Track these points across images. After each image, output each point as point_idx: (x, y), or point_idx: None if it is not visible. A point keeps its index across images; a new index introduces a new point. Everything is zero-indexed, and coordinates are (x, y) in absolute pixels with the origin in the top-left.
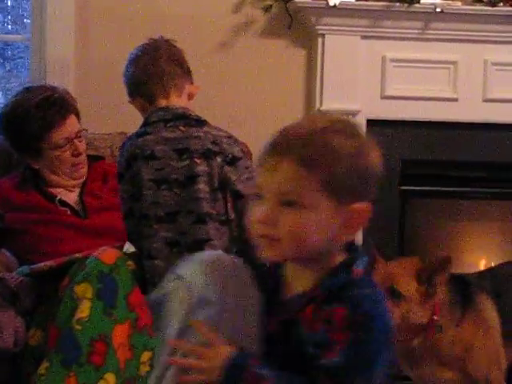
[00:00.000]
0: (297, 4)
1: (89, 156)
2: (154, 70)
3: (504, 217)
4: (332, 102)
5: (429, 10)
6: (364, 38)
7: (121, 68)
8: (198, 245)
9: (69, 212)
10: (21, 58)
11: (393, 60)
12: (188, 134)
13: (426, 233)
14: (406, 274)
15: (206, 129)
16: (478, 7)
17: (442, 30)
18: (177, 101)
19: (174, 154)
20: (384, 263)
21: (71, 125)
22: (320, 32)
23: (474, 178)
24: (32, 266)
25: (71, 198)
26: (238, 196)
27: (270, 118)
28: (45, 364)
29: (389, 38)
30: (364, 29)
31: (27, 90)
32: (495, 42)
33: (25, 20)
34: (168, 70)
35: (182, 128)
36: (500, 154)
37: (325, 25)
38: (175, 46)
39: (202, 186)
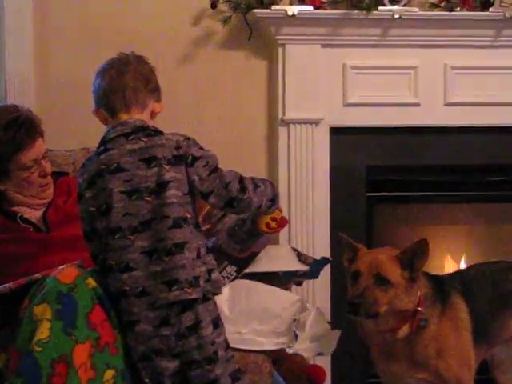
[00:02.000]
0: (256, 15)
1: (53, 173)
2: (117, 83)
3: (470, 220)
4: (294, 111)
5: (387, 17)
6: (324, 46)
7: (80, 83)
8: (178, 248)
9: (31, 229)
10: None
11: (353, 67)
12: (152, 143)
13: (393, 238)
14: (389, 260)
15: (166, 136)
16: (436, 12)
17: (400, 36)
18: (138, 117)
19: (141, 164)
20: (366, 251)
21: (39, 146)
22: (280, 42)
23: (439, 183)
24: None
25: (35, 215)
26: (204, 195)
27: (233, 129)
28: None
29: (349, 46)
30: (324, 37)
31: None
32: (454, 47)
33: None
34: (132, 85)
35: (143, 139)
36: (463, 158)
37: (284, 34)
38: (146, 63)
39: (174, 192)
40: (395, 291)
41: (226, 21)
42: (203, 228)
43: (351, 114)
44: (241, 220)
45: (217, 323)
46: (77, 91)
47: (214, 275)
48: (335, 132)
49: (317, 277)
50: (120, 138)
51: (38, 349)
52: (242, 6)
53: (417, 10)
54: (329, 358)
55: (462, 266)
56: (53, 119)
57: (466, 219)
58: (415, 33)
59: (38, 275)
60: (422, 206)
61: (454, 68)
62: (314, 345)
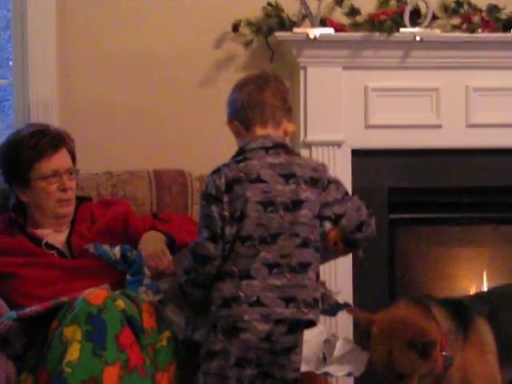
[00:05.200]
0: (277, 38)
1: (76, 197)
2: (257, 98)
3: (492, 241)
4: (316, 133)
5: (408, 39)
6: (346, 68)
7: (103, 108)
8: (303, 267)
9: (55, 255)
10: (7, 100)
11: (375, 89)
12: (291, 161)
13: (415, 260)
14: (403, 352)
15: (303, 157)
16: (457, 34)
17: (422, 57)
18: (273, 132)
19: (280, 179)
20: (378, 336)
21: (62, 158)
22: (302, 64)
23: (461, 204)
24: (19, 312)
25: (59, 240)
26: (336, 218)
27: None
28: None
29: (370, 68)
30: (345, 59)
31: (30, 124)
32: (475, 68)
33: (10, 63)
34: (271, 101)
35: (283, 155)
36: (485, 179)
37: (306, 57)
38: (283, 83)
39: (306, 212)
40: (419, 378)
41: (247, 44)
42: None
43: (373, 136)
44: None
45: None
46: (100, 116)
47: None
48: (357, 154)
49: (334, 316)
50: (260, 151)
51: (68, 370)
52: (264, 28)
53: (438, 31)
54: (352, 378)
55: (485, 287)
56: (76, 143)
57: (488, 240)
58: (437, 55)
59: (64, 298)
60: (445, 227)
61: (475, 89)
62: (343, 366)
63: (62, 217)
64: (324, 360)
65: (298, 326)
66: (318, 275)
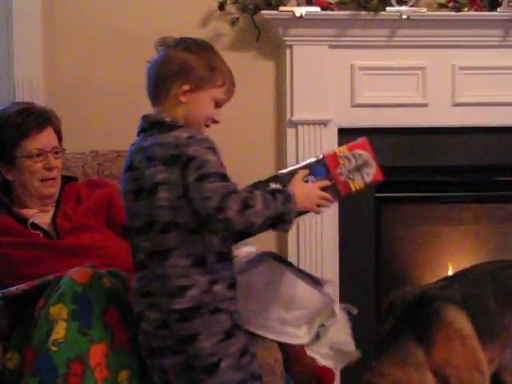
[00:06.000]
0: (263, 16)
1: (62, 177)
2: (147, 81)
3: (478, 220)
4: (302, 112)
5: (395, 17)
6: (332, 47)
7: (89, 86)
8: (168, 254)
9: (41, 235)
10: None
11: (361, 68)
12: (158, 141)
13: (401, 239)
14: None
15: (174, 133)
16: (444, 13)
17: (408, 36)
18: (162, 108)
19: (146, 163)
20: None
21: (48, 137)
22: (288, 43)
23: (447, 183)
24: (4, 291)
25: (44, 220)
26: (190, 201)
27: (241, 130)
28: None
29: (356, 47)
30: (331, 38)
31: (15, 103)
32: (462, 47)
33: None
34: (152, 76)
35: (157, 135)
36: (471, 158)
37: (292, 36)
38: (175, 45)
39: (164, 194)
40: None
41: (233, 22)
42: None
43: (359, 115)
44: None
45: (230, 333)
46: (86, 94)
47: (217, 288)
48: (343, 133)
49: None
50: (141, 134)
51: (54, 348)
52: (250, 7)
53: (424, 10)
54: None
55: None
56: (62, 122)
57: (474, 219)
58: (423, 33)
59: (50, 277)
60: (431, 206)
61: (461, 68)
62: (333, 354)
63: (47, 197)
64: (317, 337)
65: (186, 315)
66: (200, 259)
